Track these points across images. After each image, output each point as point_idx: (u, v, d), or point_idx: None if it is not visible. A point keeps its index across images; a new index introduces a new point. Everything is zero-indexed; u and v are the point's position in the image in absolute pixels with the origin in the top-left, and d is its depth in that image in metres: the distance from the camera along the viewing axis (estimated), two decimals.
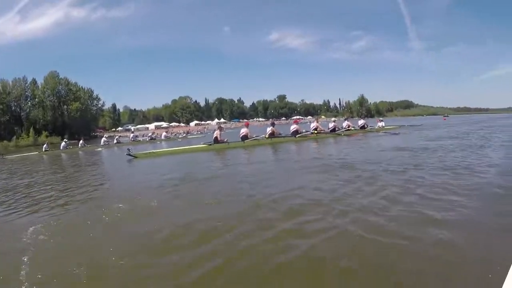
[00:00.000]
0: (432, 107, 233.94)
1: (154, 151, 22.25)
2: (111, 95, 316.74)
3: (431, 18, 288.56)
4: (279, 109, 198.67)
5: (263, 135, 23.93)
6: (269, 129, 24.14)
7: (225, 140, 23.18)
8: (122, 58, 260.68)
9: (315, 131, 25.57)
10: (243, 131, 23.57)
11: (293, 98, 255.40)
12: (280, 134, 24.61)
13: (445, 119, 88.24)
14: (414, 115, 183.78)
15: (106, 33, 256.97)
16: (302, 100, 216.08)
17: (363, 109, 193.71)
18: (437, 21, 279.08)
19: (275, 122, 29.76)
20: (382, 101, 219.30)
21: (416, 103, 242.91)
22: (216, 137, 22.89)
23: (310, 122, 31.78)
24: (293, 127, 25.25)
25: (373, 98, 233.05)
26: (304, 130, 25.80)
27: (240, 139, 23.24)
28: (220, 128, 24.98)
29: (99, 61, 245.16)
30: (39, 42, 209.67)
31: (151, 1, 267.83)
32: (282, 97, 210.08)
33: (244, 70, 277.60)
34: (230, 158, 17.31)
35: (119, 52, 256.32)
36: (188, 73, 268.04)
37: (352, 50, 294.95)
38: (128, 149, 20.94)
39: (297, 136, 24.45)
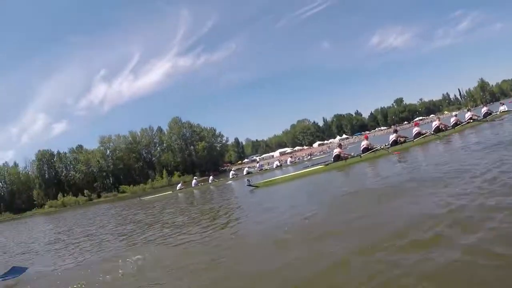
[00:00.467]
0: None
1: (272, 178, 21.91)
2: (231, 131, 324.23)
3: None
4: (399, 114, 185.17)
5: (383, 144, 22.39)
6: (392, 136, 22.74)
7: (348, 155, 22.38)
8: (233, 94, 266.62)
9: (439, 131, 23.30)
10: (364, 144, 22.56)
11: (411, 99, 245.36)
12: (403, 140, 22.75)
13: None
14: None
15: (213, 75, 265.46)
16: (421, 99, 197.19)
17: (486, 94, 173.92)
18: None
19: (397, 128, 28.08)
20: (505, 80, 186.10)
21: None
22: (337, 155, 22.16)
23: (432, 121, 30.45)
24: (415, 130, 23.64)
25: (495, 80, 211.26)
26: (425, 131, 23.50)
27: (361, 152, 21.95)
28: (340, 146, 24.75)
29: (211, 101, 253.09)
30: (152, 94, 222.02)
31: (249, 36, 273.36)
32: (399, 101, 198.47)
33: (354, 82, 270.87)
34: (348, 175, 16.99)
35: (228, 89, 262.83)
36: (300, 96, 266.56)
37: (457, 32, 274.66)
38: (248, 180, 21.20)
39: (415, 140, 22.50)
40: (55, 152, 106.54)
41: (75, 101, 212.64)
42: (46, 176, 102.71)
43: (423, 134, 22.84)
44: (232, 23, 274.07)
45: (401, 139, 22.61)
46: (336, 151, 22.65)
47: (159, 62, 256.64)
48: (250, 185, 20.04)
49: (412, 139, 22.74)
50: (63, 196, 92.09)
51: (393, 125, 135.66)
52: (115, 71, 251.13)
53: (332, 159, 22.24)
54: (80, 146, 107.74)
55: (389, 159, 18.14)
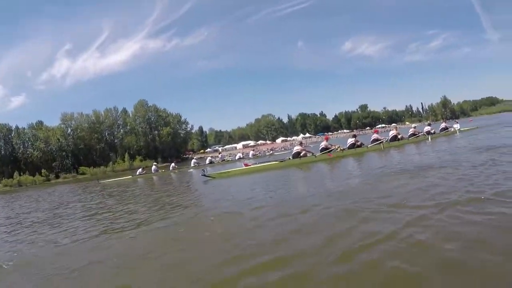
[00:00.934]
0: None
1: (228, 170, 22.39)
2: (196, 118, 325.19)
3: (502, 2, 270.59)
4: (362, 119, 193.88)
5: (339, 147, 23.39)
6: (350, 140, 24.05)
7: (309, 153, 22.90)
8: (202, 83, 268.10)
9: (395, 140, 25.52)
10: (323, 144, 23.39)
11: (375, 106, 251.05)
12: (359, 143, 24.15)
13: None
14: (500, 111, 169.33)
15: (183, 60, 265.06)
16: (384, 108, 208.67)
17: (447, 110, 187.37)
18: (508, 5, 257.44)
19: (356, 133, 28.40)
20: (465, 101, 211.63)
21: (501, 98, 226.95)
22: (297, 152, 22.73)
23: (390, 130, 31.76)
24: (373, 137, 25.02)
25: (456, 98, 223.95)
26: (383, 138, 25.17)
27: (319, 151, 22.83)
28: (301, 144, 25.34)
29: (179, 87, 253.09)
30: (119, 73, 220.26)
31: (222, 25, 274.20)
32: (364, 107, 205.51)
33: (322, 83, 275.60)
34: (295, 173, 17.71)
35: (197, 77, 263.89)
36: (268, 91, 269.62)
37: (429, 50, 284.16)
38: (203, 170, 21.59)
39: (370, 145, 24.10)
40: (13, 127, 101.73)
41: (36, 74, 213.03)
42: (2, 152, 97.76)
43: (380, 141, 24.17)
44: (208, 10, 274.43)
45: (358, 143, 23.81)
46: (297, 148, 23.21)
47: (128, 42, 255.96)
48: (204, 175, 20.22)
49: (369, 144, 24.15)
50: (19, 175, 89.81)
51: (356, 129, 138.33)
52: (81, 47, 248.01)
53: (292, 156, 22.77)
54: (40, 122, 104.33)
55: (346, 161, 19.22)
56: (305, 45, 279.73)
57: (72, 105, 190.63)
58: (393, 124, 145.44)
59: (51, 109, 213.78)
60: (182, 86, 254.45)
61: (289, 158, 22.81)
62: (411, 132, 27.10)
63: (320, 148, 23.08)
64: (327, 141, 24.02)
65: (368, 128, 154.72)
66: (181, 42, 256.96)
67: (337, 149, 22.84)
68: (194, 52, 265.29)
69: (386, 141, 24.87)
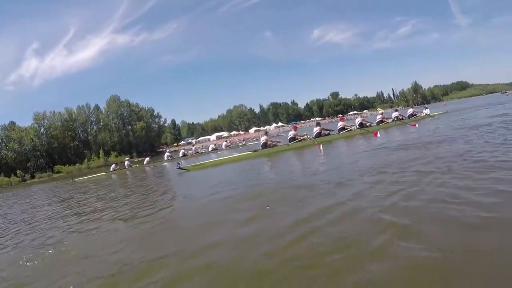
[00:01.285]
0: (488, 85, 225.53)
1: (203, 162, 22.82)
2: (168, 112, 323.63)
3: None
4: (334, 107, 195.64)
5: (309, 136, 24.03)
6: (316, 129, 24.44)
7: (274, 144, 24.02)
8: (172, 76, 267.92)
9: (359, 127, 25.76)
10: (291, 133, 24.26)
11: (347, 93, 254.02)
12: (327, 132, 24.74)
13: (507, 94, 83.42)
14: (470, 96, 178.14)
15: (151, 54, 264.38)
16: (356, 95, 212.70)
17: (418, 96, 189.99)
18: None
19: (320, 122, 30.56)
20: (436, 86, 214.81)
21: (471, 83, 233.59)
22: (264, 142, 23.68)
23: (355, 118, 32.47)
24: (340, 124, 25.58)
25: (427, 84, 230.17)
26: (350, 126, 25.93)
27: (288, 141, 23.76)
28: (266, 133, 26.12)
29: (149, 81, 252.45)
30: (88, 70, 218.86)
31: (190, 18, 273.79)
32: (335, 94, 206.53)
33: (292, 72, 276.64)
34: (276, 162, 18.14)
35: (167, 70, 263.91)
36: (238, 82, 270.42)
37: (398, 37, 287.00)
38: (178, 163, 22.73)
39: (341, 132, 24.72)
40: None
41: (4, 75, 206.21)
42: None
43: (347, 129, 25.10)
44: (175, 3, 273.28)
45: (325, 131, 24.52)
46: (263, 138, 24.20)
47: (95, 38, 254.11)
48: (180, 168, 21.17)
49: (337, 132, 24.99)
50: None
51: (328, 117, 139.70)
52: (48, 45, 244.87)
53: (261, 147, 23.66)
54: (13, 123, 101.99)
55: (314, 149, 19.67)
56: (273, 34, 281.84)
57: (42, 104, 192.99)
58: (365, 111, 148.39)
59: (21, 109, 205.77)
60: (152, 80, 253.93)
61: (260, 148, 23.66)
62: (379, 119, 27.68)
63: (288, 138, 24.07)
64: (295, 130, 24.96)
65: (340, 115, 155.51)
66: (150, 37, 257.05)
67: (306, 138, 23.64)
68: (163, 46, 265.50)
69: (357, 128, 25.56)
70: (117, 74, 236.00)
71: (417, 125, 22.10)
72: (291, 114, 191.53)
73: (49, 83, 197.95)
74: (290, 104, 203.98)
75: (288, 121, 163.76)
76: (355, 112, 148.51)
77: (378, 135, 20.80)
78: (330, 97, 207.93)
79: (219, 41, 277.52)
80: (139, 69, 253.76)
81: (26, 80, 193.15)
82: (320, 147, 18.60)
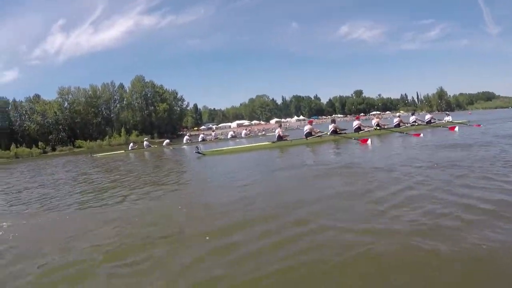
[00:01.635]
0: None
1: (221, 148, 23.24)
2: (189, 96, 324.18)
3: None
4: (356, 105, 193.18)
5: (326, 132, 23.77)
6: (331, 126, 24.04)
7: (288, 137, 24.28)
8: (196, 61, 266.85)
9: (378, 127, 25.12)
10: (307, 128, 23.92)
11: (370, 93, 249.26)
12: (343, 131, 24.23)
13: None
14: (496, 107, 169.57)
15: (177, 38, 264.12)
16: (379, 95, 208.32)
17: (442, 102, 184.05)
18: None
19: (336, 120, 29.96)
20: (461, 94, 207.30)
21: (498, 94, 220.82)
22: (279, 135, 23.86)
23: (371, 119, 31.68)
24: (356, 124, 25.03)
25: (453, 91, 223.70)
26: (366, 127, 25.11)
27: (304, 136, 23.55)
28: (280, 126, 26.11)
29: (173, 64, 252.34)
30: (112, 50, 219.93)
31: (217, 4, 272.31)
32: (358, 93, 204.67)
33: (316, 66, 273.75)
34: (291, 155, 18.08)
35: (191, 55, 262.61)
36: (262, 72, 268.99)
37: (426, 39, 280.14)
38: (197, 147, 22.66)
39: (360, 132, 23.97)
40: (10, 100, 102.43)
41: (29, 49, 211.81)
42: None
43: (363, 129, 24.50)
44: None
45: (339, 130, 24.14)
46: (277, 131, 24.58)
47: (121, 18, 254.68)
48: (198, 153, 21.43)
49: (353, 131, 24.40)
50: (16, 147, 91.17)
51: (350, 114, 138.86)
52: (74, 22, 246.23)
53: (276, 139, 23.87)
54: (37, 96, 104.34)
55: (330, 145, 19.88)
56: (300, 26, 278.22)
57: (66, 80, 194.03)
58: (387, 112, 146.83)
59: (44, 84, 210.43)
60: (176, 63, 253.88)
61: (276, 140, 23.92)
62: (396, 122, 27.29)
63: (305, 133, 23.82)
64: (311, 125, 24.71)
65: (362, 114, 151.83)
66: (175, 20, 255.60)
67: (322, 135, 23.41)
68: (188, 31, 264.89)
69: (375, 128, 24.98)
70: (141, 56, 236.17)
71: (421, 135, 20.57)
72: (313, 109, 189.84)
73: (73, 60, 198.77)
74: (312, 98, 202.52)
75: (309, 115, 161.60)
76: (377, 112, 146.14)
77: (421, 135, 20.27)
78: (353, 94, 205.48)
79: (244, 29, 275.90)
80: (163, 52, 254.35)
81: (51, 55, 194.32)
82: (368, 141, 18.65)
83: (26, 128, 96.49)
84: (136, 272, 4.64)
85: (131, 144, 42.42)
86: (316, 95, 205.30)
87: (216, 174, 13.83)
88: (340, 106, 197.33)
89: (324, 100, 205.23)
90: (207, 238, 5.56)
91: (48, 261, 5.37)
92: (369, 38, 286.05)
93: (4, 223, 7.91)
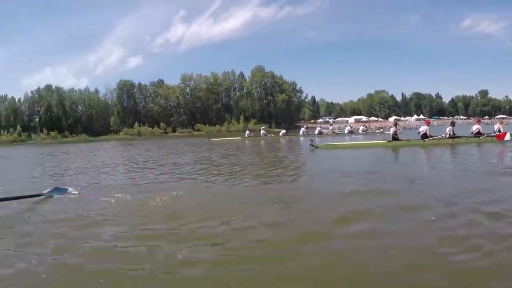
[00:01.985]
0: None
1: (334, 143, 23.28)
2: (306, 88, 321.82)
3: None
4: (481, 107, 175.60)
5: (443, 135, 22.26)
6: (448, 129, 22.33)
7: (400, 137, 23.25)
8: (313, 53, 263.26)
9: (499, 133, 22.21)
10: (423, 129, 22.67)
11: (497, 93, 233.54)
12: (457, 134, 22.34)
13: None
14: None
15: (294, 29, 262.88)
16: (506, 97, 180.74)
17: None
18: None
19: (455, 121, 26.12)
20: None
21: None
22: (393, 134, 22.76)
23: (494, 124, 29.13)
24: (475, 128, 22.83)
25: None
26: (485, 132, 22.81)
27: (420, 138, 22.35)
28: (396, 125, 24.81)
29: (290, 56, 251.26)
30: (231, 40, 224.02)
31: None
32: (483, 93, 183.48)
33: (438, 61, 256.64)
34: (406, 156, 17.48)
35: (308, 46, 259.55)
36: (380, 66, 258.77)
37: None
38: (311, 140, 22.93)
39: (481, 137, 21.96)
40: (136, 84, 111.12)
41: (153, 38, 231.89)
42: (125, 104, 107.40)
43: (482, 134, 22.30)
44: None
45: (457, 133, 22.46)
46: (391, 130, 23.68)
47: (240, 10, 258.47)
48: (311, 145, 21.52)
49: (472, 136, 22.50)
50: (139, 126, 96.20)
51: (473, 117, 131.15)
52: (195, 13, 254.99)
53: (391, 138, 22.91)
54: (161, 81, 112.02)
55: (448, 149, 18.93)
56: (421, 18, 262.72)
57: (185, 67, 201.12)
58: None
59: (165, 70, 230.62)
60: (294, 55, 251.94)
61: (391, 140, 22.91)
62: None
63: (421, 134, 22.68)
64: (428, 125, 23.31)
65: (486, 117, 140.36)
66: (293, 11, 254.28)
67: (438, 137, 22.00)
68: (306, 22, 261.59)
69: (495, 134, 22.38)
70: (259, 46, 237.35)
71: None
72: (434, 108, 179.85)
73: (193, 49, 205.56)
74: (434, 96, 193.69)
75: (430, 115, 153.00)
76: (502, 116, 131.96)
77: None
78: (478, 95, 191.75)
79: (363, 21, 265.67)
80: (281, 43, 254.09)
81: (172, 44, 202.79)
82: (507, 136, 17.36)
83: (150, 109, 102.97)
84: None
85: (247, 132, 43.05)
86: (438, 93, 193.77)
87: (326, 168, 13.63)
88: (463, 106, 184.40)
89: (446, 99, 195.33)
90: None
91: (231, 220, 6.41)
92: (495, 31, 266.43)
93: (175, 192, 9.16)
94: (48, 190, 9.36)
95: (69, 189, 9.73)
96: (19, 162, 26.06)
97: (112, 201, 8.38)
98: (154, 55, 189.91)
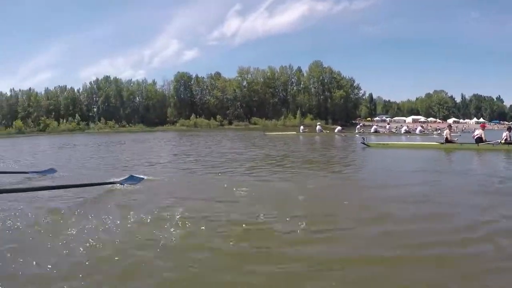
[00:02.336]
0: None
1: (386, 143, 22.77)
2: (363, 85, 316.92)
3: None
4: None
5: (498, 140, 20.65)
6: (504, 134, 20.68)
7: (456, 140, 22.58)
8: (369, 49, 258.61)
9: None
10: (477, 133, 21.45)
11: None
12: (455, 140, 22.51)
13: None
14: None
15: (350, 24, 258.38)
16: None
17: None
18: None
19: None
20: None
21: None
22: (446, 137, 21.85)
23: None
24: None
25: None
26: None
27: (474, 141, 21.09)
28: (450, 127, 23.94)
29: (346, 51, 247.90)
30: (287, 34, 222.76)
31: None
32: None
33: (499, 62, 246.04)
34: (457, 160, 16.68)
35: (365, 42, 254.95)
36: (439, 64, 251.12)
37: None
38: (363, 138, 23.04)
39: None
40: (193, 76, 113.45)
41: (208, 31, 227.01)
42: (181, 96, 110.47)
43: None
44: None
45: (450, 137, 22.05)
46: (445, 133, 22.66)
47: (295, 3, 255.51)
48: (363, 143, 21.71)
49: None
50: (196, 117, 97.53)
51: None
52: (250, 7, 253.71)
53: (444, 140, 21.96)
54: (218, 73, 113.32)
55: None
56: (481, 16, 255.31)
57: (241, 61, 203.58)
58: None
59: (221, 63, 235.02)
60: (350, 50, 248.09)
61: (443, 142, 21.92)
62: None
63: (475, 138, 21.27)
64: (483, 129, 22.20)
65: None
66: (349, 6, 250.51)
67: (493, 143, 20.54)
68: (362, 17, 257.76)
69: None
70: (315, 40, 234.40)
71: None
72: (495, 111, 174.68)
73: (249, 42, 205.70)
74: (495, 99, 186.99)
75: (490, 118, 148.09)
76: None
77: None
78: None
79: (420, 17, 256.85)
80: (336, 38, 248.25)
81: (228, 37, 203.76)
82: None
83: (206, 101, 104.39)
84: None
85: (301, 127, 42.61)
86: (499, 96, 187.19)
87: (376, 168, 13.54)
88: None
89: (507, 103, 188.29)
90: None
91: None
92: None
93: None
94: (123, 178, 9.72)
95: (144, 177, 10.10)
96: (90, 150, 26.53)
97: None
98: (210, 48, 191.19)
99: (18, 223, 5.86)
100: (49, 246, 4.94)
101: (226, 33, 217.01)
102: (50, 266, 4.22)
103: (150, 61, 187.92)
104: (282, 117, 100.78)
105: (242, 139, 33.37)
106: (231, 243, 5.01)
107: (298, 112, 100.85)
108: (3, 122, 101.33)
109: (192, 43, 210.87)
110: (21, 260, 4.40)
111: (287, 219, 6.02)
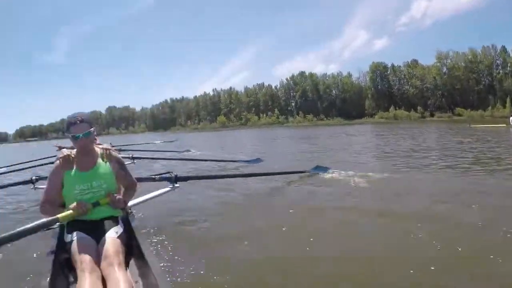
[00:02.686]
0: None
1: None
2: None
3: None
4: None
5: None
6: None
7: None
8: None
9: None
10: None
11: None
12: None
13: None
14: None
15: None
16: None
17: None
18: None
19: None
20: None
21: None
22: None
23: None
24: None
25: None
26: None
27: None
28: None
29: None
30: (482, 8, 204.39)
31: None
32: None
33: None
34: None
35: None
36: None
37: None
38: None
39: None
40: (389, 65, 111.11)
41: (395, 17, 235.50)
42: (379, 87, 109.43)
43: None
44: None
45: None
46: None
47: None
48: None
49: None
50: (395, 109, 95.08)
51: None
52: None
53: None
54: (415, 61, 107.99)
55: None
56: None
57: (434, 45, 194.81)
58: None
59: (414, 49, 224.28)
60: None
61: None
62: None
63: None
64: None
65: None
66: None
67: None
68: None
69: None
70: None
71: None
72: None
73: (440, 23, 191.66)
74: None
75: None
76: None
77: None
78: None
79: None
80: None
81: (417, 20, 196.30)
82: None
83: (405, 92, 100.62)
84: None
85: (511, 118, 36.28)
86: None
87: None
88: None
89: None
90: None
91: None
92: None
93: None
94: (312, 168, 10.95)
95: (329, 169, 10.96)
96: (289, 143, 30.00)
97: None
98: (399, 34, 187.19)
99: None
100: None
101: (415, 16, 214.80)
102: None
103: (340, 54, 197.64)
104: (490, 107, 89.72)
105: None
106: None
107: (508, 100, 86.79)
108: (208, 118, 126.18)
109: (381, 31, 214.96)
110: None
111: None
